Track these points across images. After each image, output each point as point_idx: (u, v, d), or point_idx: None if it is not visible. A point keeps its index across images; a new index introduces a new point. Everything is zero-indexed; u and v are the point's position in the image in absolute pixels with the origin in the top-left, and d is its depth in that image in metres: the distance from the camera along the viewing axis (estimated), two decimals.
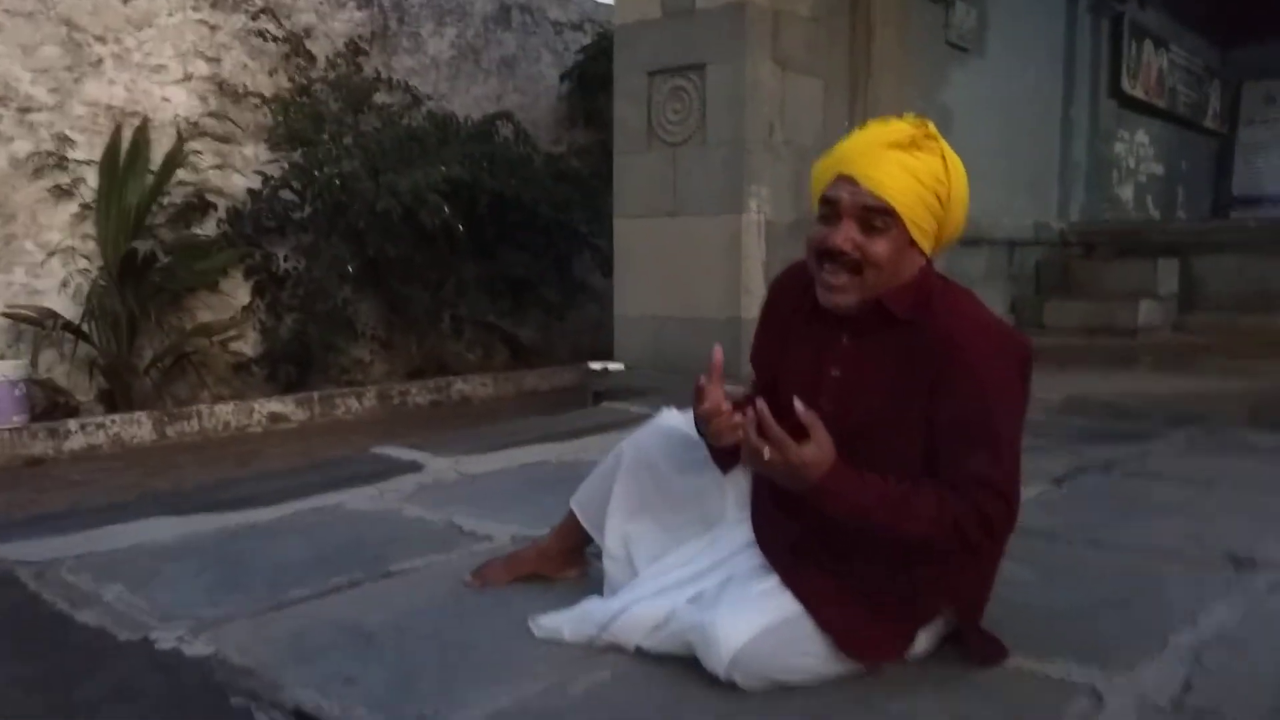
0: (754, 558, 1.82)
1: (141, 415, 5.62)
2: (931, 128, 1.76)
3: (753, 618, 1.67)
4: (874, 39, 5.44)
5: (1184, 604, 2.10)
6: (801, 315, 1.85)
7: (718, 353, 1.76)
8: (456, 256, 6.91)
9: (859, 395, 1.74)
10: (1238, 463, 3.54)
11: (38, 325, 5.73)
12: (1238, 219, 9.41)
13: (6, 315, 5.68)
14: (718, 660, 1.65)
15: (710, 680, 1.69)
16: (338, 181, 6.13)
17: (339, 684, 1.73)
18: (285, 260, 6.59)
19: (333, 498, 2.99)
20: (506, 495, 3.02)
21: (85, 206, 5.92)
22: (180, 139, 6.14)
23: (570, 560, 2.22)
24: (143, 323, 6.02)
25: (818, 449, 1.61)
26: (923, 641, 1.79)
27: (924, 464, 1.68)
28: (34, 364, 5.71)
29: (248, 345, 6.61)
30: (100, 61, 5.98)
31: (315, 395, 6.29)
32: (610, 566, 2.05)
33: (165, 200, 6.12)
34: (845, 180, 1.70)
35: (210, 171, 6.39)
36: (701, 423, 1.79)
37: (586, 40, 8.25)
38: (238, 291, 6.56)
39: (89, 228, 5.95)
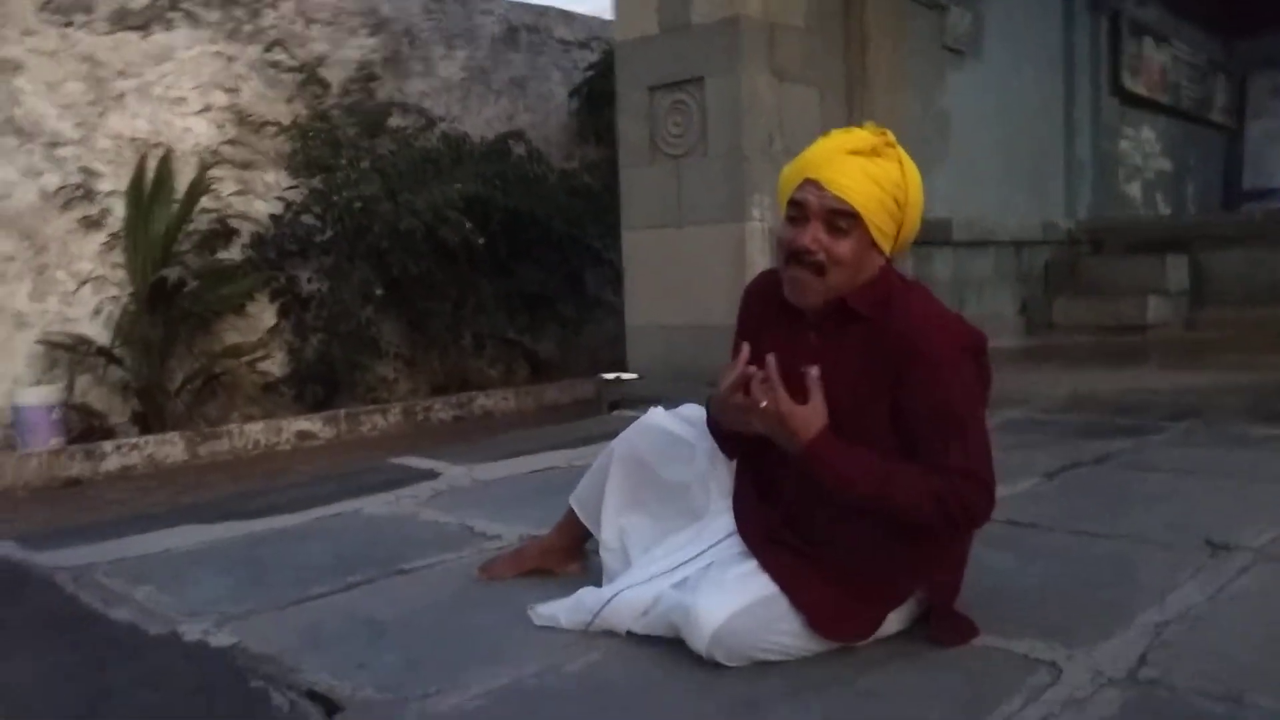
0: (735, 545, 1.95)
1: (174, 436, 5.81)
2: (890, 136, 1.89)
3: (731, 598, 1.80)
4: (869, 47, 5.56)
5: (1156, 586, 2.18)
6: (773, 316, 1.98)
7: (746, 349, 1.87)
8: (475, 274, 7.08)
9: (828, 389, 1.86)
10: (1230, 454, 3.60)
11: (72, 351, 5.95)
12: (1245, 211, 9.42)
13: (42, 343, 5.89)
14: (699, 638, 1.78)
15: (695, 659, 1.81)
16: (358, 205, 6.32)
17: (351, 668, 1.87)
18: (309, 282, 6.77)
19: (352, 504, 3.15)
20: (517, 498, 3.16)
21: (113, 236, 6.13)
22: (203, 168, 6.35)
23: (572, 555, 2.35)
24: (173, 346, 6.23)
25: (811, 411, 1.77)
26: (894, 622, 1.91)
27: (900, 455, 1.81)
28: (70, 389, 5.91)
29: (275, 366, 6.80)
30: (122, 95, 6.20)
31: (342, 413, 6.47)
32: (607, 558, 2.18)
33: (190, 227, 6.33)
34: (812, 184, 1.84)
35: (233, 198, 6.60)
36: (719, 404, 1.91)
37: (594, 58, 8.41)
38: (264, 314, 6.75)
39: (118, 256, 6.16)
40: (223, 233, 6.55)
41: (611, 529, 2.17)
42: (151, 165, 6.21)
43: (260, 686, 1.82)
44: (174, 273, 5.95)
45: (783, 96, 5.24)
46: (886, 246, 1.88)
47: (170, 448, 5.78)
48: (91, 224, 6.09)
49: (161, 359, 6.13)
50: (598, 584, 2.14)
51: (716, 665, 1.80)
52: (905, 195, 1.86)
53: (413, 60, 7.63)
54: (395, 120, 7.27)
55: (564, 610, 2.03)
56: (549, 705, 1.72)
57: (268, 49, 6.71)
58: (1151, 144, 9.21)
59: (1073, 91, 7.89)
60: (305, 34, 6.95)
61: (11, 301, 5.86)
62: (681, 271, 5.30)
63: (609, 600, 1.97)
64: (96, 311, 6.09)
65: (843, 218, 1.82)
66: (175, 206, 6.20)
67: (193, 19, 6.49)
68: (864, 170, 1.82)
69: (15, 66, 5.83)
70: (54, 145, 5.96)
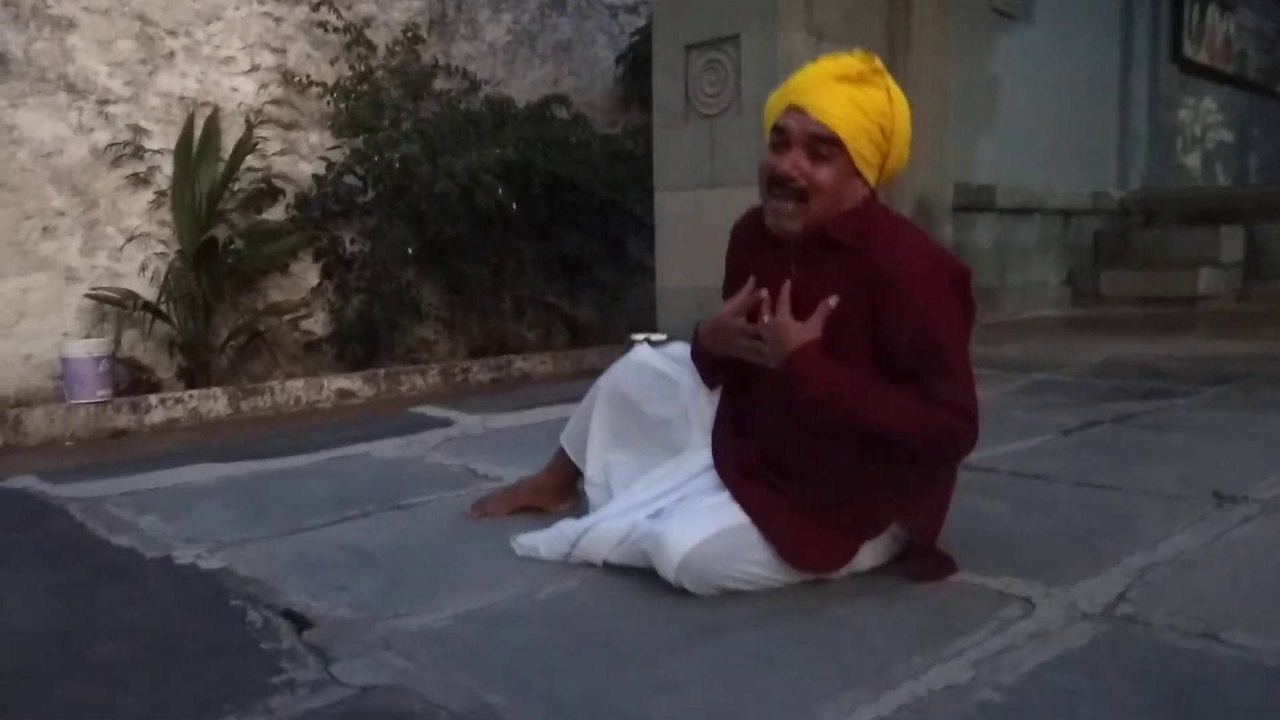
0: (712, 479, 1.95)
1: (217, 391, 5.93)
2: (878, 63, 1.87)
3: (701, 526, 1.80)
4: (912, 7, 5.45)
5: (1152, 534, 2.14)
6: (757, 250, 1.97)
7: (751, 281, 1.91)
8: (513, 237, 7.10)
9: (808, 320, 1.84)
10: (1258, 416, 3.50)
11: (119, 306, 6.08)
12: None
13: (91, 297, 6.04)
14: (667, 565, 1.79)
15: (666, 589, 1.82)
16: (397, 164, 6.36)
17: (331, 591, 1.91)
18: (351, 243, 6.85)
19: (363, 448, 3.20)
20: (524, 445, 3.18)
21: (160, 193, 6.24)
22: (249, 127, 6.43)
23: (563, 494, 2.37)
24: (217, 303, 6.34)
25: (806, 326, 1.79)
26: (868, 556, 1.89)
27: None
28: (117, 343, 6.06)
29: (318, 325, 6.89)
30: (172, 54, 6.30)
31: (381, 372, 6.55)
32: (592, 493, 2.20)
33: (235, 187, 6.43)
34: (795, 110, 1.82)
35: (277, 158, 6.68)
36: (716, 327, 1.95)
37: (641, 22, 8.35)
38: (307, 274, 6.84)
39: (165, 213, 6.28)
40: (268, 192, 6.64)
41: (596, 464, 2.19)
42: (199, 124, 6.31)
43: (239, 605, 1.86)
44: (218, 230, 6.03)
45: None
46: (871, 176, 1.85)
47: (213, 402, 5.89)
48: (140, 181, 6.20)
49: (206, 315, 6.25)
50: None
51: (685, 594, 1.80)
52: (891, 124, 1.83)
53: (459, 23, 7.65)
54: (440, 83, 7.29)
55: (544, 541, 2.05)
56: (514, 626, 1.74)
57: (315, 9, 6.76)
58: (1213, 114, 8.92)
59: (1130, 59, 7.66)
60: None
61: (63, 256, 6.00)
62: (714, 232, 5.18)
63: (586, 531, 1.98)
64: (143, 268, 6.21)
65: (824, 144, 1.80)
66: (221, 165, 6.30)
67: None
68: (849, 97, 1.80)
69: (69, 24, 5.95)
70: (104, 103, 6.08)
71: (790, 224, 1.85)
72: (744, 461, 1.91)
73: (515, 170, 6.54)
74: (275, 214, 6.67)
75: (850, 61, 1.85)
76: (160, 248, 6.27)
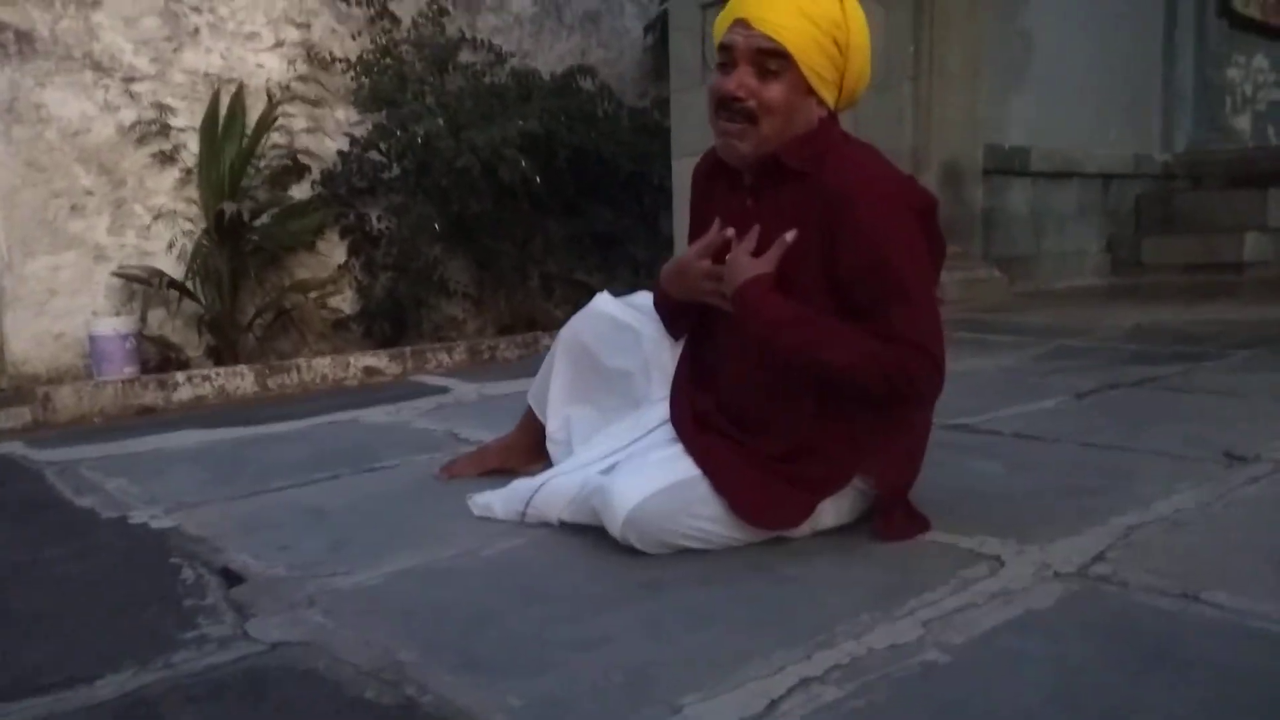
0: (667, 432, 1.85)
1: (244, 368, 5.93)
2: None
3: (649, 480, 1.70)
4: None
5: (1148, 492, 2.01)
6: (717, 189, 1.86)
7: (717, 223, 1.82)
8: (540, 213, 7.03)
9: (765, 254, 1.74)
10: None
11: (146, 284, 6.12)
12: None
13: (118, 275, 6.08)
14: (613, 520, 1.69)
15: (616, 546, 1.73)
16: (420, 140, 6.32)
17: (273, 550, 1.85)
18: (378, 220, 6.83)
19: (352, 414, 3.15)
20: (514, 410, 3.08)
21: (187, 171, 6.26)
22: (270, 103, 6.42)
23: (534, 454, 2.27)
24: (244, 281, 6.36)
25: (761, 260, 1.71)
26: (830, 514, 1.79)
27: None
28: (144, 320, 6.10)
29: (345, 303, 6.89)
30: (197, 31, 6.30)
31: (408, 350, 6.51)
32: (553, 449, 2.11)
33: (261, 163, 6.43)
34: (740, 24, 1.70)
35: (303, 135, 6.67)
36: (680, 269, 1.86)
37: None
38: (334, 251, 6.84)
39: (191, 191, 6.30)
40: (293, 169, 6.63)
41: (557, 419, 2.10)
42: (224, 101, 6.31)
43: (177, 562, 1.81)
44: (231, 206, 6.00)
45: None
46: (829, 96, 1.74)
47: (240, 380, 5.89)
48: (166, 159, 6.23)
49: (233, 293, 6.27)
50: None
51: (635, 552, 1.71)
52: (846, 37, 1.71)
53: None
54: (466, 56, 7.23)
55: (499, 500, 1.97)
56: (449, 584, 1.66)
57: None
58: (1265, 73, 8.51)
59: (1174, 13, 7.30)
60: None
61: (92, 235, 6.05)
62: None
63: (539, 488, 1.90)
64: (170, 245, 6.24)
65: (772, 58, 1.68)
66: (245, 142, 6.30)
67: None
68: (797, 6, 1.67)
69: (94, 2, 5.98)
70: (130, 80, 6.10)
71: (741, 147, 1.72)
72: (701, 413, 1.81)
73: (539, 143, 6.45)
74: (302, 191, 6.67)
75: None
76: (188, 225, 6.29)
